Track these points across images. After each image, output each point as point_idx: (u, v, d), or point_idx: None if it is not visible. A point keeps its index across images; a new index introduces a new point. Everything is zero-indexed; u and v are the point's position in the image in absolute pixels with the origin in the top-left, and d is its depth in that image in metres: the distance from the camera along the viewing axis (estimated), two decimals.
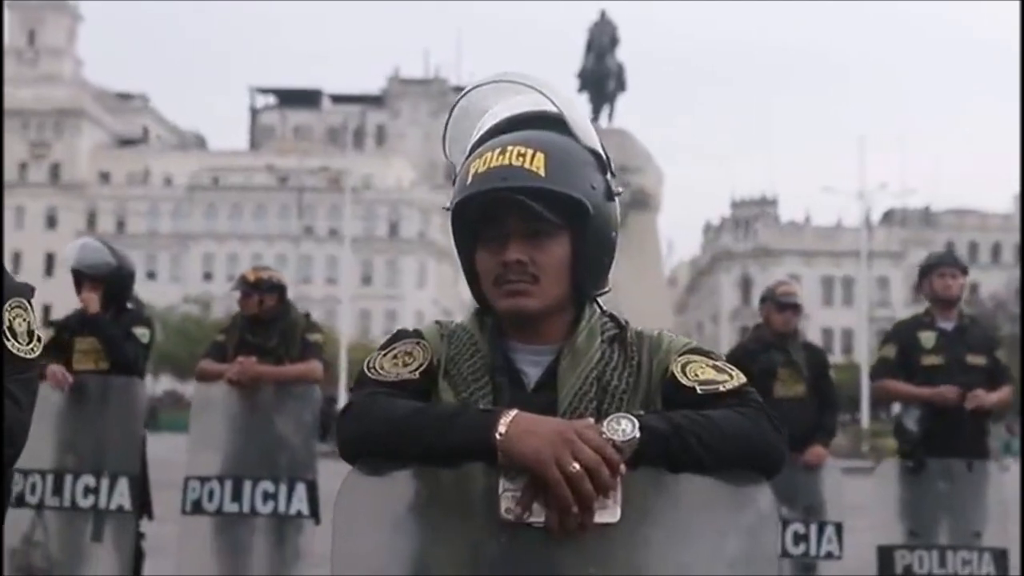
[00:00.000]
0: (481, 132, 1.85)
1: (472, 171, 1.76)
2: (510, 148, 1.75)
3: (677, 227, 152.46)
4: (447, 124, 1.93)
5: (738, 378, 1.76)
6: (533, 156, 1.73)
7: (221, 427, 6.04)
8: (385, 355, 1.82)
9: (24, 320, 1.97)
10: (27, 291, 2.01)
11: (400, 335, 1.87)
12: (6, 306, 1.95)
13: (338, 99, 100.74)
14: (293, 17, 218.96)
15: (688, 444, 1.60)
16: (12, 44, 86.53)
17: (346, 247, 51.53)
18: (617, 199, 1.83)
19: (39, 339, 1.99)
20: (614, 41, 37.38)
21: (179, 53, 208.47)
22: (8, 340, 1.93)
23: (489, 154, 1.75)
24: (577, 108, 1.86)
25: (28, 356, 1.96)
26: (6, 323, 1.93)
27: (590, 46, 37.21)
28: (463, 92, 1.91)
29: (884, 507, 5.86)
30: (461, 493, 1.62)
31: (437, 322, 1.90)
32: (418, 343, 1.83)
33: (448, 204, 1.81)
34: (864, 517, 6.07)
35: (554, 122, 1.81)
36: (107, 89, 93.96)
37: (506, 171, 1.72)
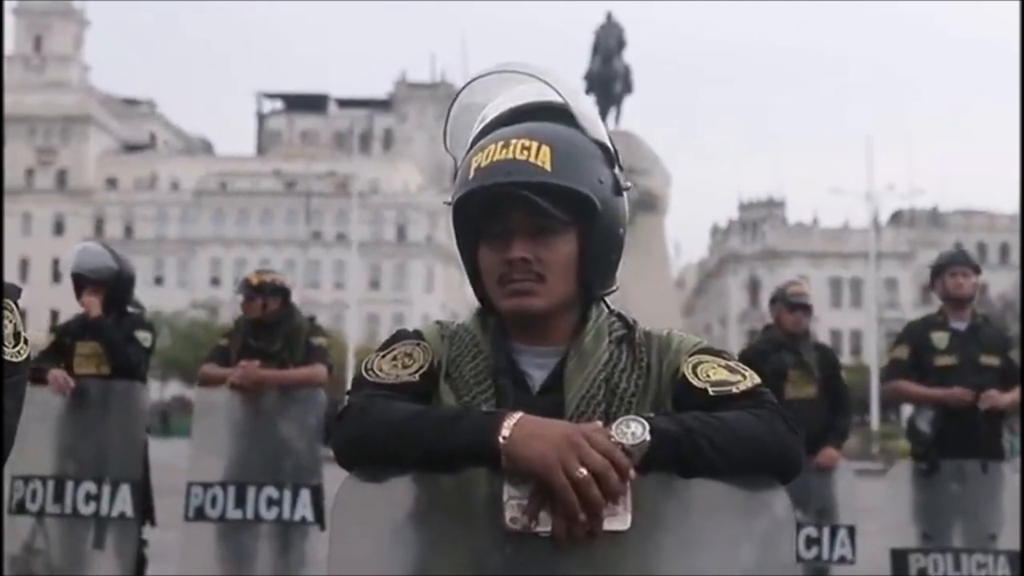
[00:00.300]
0: (483, 124, 1.77)
1: (474, 165, 1.68)
2: (514, 141, 1.67)
3: (684, 229, 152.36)
4: (448, 117, 1.85)
5: (752, 378, 1.69)
6: (538, 149, 1.66)
7: (224, 432, 6.01)
8: (384, 357, 1.75)
9: (10, 322, 1.91)
10: (13, 292, 1.96)
11: (400, 336, 1.80)
12: None
13: (345, 103, 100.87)
14: (299, 22, 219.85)
15: (700, 447, 1.54)
16: (19, 51, 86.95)
17: (353, 252, 51.67)
18: (625, 194, 1.76)
19: (25, 341, 1.93)
20: (621, 43, 37.44)
21: (185, 58, 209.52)
22: None
23: (492, 147, 1.68)
24: (583, 98, 1.78)
25: (15, 359, 1.90)
26: None
27: (596, 48, 37.29)
28: (465, 83, 1.84)
29: (897, 510, 5.82)
30: (463, 500, 1.56)
31: (438, 322, 1.83)
32: (418, 344, 1.76)
33: (450, 199, 1.73)
34: (877, 520, 6.01)
35: (559, 113, 1.73)
36: (114, 95, 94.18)
37: (510, 165, 1.65)
